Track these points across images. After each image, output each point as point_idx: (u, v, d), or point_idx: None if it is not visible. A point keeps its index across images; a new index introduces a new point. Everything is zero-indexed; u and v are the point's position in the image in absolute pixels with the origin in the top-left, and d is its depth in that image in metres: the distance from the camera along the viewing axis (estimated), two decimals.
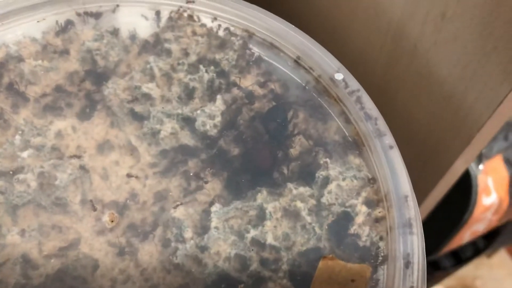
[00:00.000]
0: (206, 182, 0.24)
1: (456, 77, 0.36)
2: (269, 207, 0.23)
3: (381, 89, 0.43)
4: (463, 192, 0.48)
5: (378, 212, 0.22)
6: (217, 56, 0.27)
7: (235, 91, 0.27)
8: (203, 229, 0.23)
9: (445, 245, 0.53)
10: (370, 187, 0.23)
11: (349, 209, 0.23)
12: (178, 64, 0.27)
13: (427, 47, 0.36)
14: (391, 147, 0.23)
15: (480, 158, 0.48)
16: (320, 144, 0.25)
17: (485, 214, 0.49)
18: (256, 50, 0.27)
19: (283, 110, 0.26)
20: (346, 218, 0.22)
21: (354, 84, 0.24)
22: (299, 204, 0.23)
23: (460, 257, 0.62)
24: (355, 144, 0.24)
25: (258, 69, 0.27)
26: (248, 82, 0.27)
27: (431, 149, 0.42)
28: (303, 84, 0.26)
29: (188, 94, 0.26)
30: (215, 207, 0.23)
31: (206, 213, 0.23)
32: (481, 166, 0.48)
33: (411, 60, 0.39)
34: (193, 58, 0.27)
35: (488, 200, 0.48)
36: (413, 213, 0.21)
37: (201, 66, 0.27)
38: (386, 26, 0.39)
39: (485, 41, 0.30)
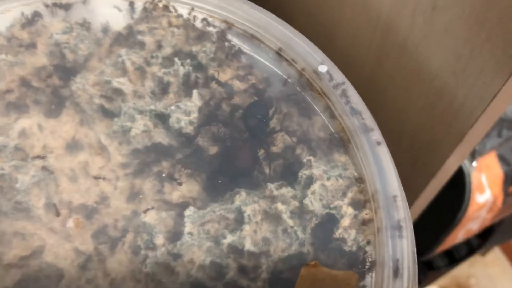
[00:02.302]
0: (181, 184, 0.23)
1: (448, 72, 0.34)
2: (248, 210, 0.21)
3: (370, 86, 0.41)
4: (456, 190, 0.47)
5: (365, 214, 0.21)
6: (194, 49, 0.25)
7: (213, 85, 0.25)
8: (175, 235, 0.21)
9: (439, 244, 0.52)
10: (357, 187, 0.21)
11: (334, 211, 0.21)
12: (152, 57, 0.25)
13: (417, 41, 0.35)
14: (378, 143, 0.21)
15: (473, 155, 0.47)
16: (304, 141, 0.23)
17: (479, 213, 0.48)
18: (235, 42, 0.26)
19: (265, 106, 0.24)
20: (331, 221, 0.21)
21: (339, 76, 0.23)
22: (281, 207, 0.21)
23: (454, 257, 0.61)
24: (341, 141, 0.23)
25: (238, 62, 0.26)
26: (227, 76, 0.25)
27: (422, 147, 0.40)
28: (286, 78, 0.25)
29: (162, 89, 0.24)
30: (190, 211, 0.21)
31: (180, 217, 0.21)
32: (474, 163, 0.46)
33: (401, 55, 0.37)
34: (168, 50, 0.25)
35: (482, 198, 0.47)
36: (402, 214, 0.19)
37: (176, 59, 0.25)
38: (374, 20, 0.37)
39: (477, 32, 0.29)
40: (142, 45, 0.26)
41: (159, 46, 0.25)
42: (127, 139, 0.23)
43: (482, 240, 0.62)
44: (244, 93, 0.25)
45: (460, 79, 0.33)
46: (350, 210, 0.21)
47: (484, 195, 0.47)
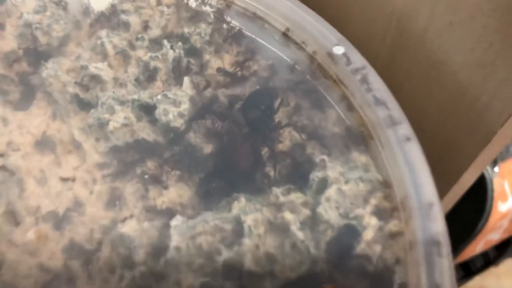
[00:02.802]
0: (169, 188, 0.19)
1: (474, 64, 0.31)
2: (249, 220, 0.17)
3: (384, 82, 0.37)
4: (477, 198, 0.43)
5: (392, 225, 0.17)
6: (187, 30, 0.22)
7: (209, 73, 0.21)
8: (159, 249, 0.17)
9: (456, 257, 0.47)
10: (382, 192, 0.18)
11: (354, 222, 0.17)
12: (137, 39, 0.21)
13: (439, 30, 0.31)
14: (408, 139, 0.17)
15: (495, 160, 0.43)
16: (316, 137, 0.19)
17: (501, 222, 0.44)
18: (235, 22, 0.22)
19: (269, 96, 0.21)
20: (350, 233, 0.17)
21: (358, 60, 0.19)
22: (289, 216, 0.17)
23: (470, 269, 0.57)
24: (361, 137, 0.19)
25: (238, 47, 0.22)
26: (226, 62, 0.22)
27: (442, 150, 0.36)
28: (293, 63, 0.21)
29: (149, 76, 0.21)
30: (177, 220, 0.18)
31: (165, 228, 0.17)
32: (496, 169, 0.42)
33: (420, 47, 0.34)
34: (155, 32, 0.22)
35: (504, 206, 0.43)
36: (440, 226, 0.16)
37: (165, 42, 0.21)
38: (390, 9, 0.34)
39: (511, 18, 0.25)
40: (126, 26, 0.22)
41: (146, 27, 0.22)
42: (104, 134, 0.20)
43: (499, 251, 0.58)
44: (244, 82, 0.21)
45: (489, 72, 0.30)
46: (373, 221, 0.17)
47: (506, 203, 0.43)
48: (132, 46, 0.21)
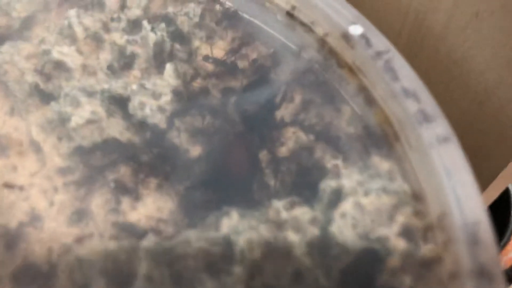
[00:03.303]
0: (145, 199, 0.15)
1: (503, 62, 0.27)
2: (242, 241, 0.14)
3: None
4: (499, 212, 0.39)
5: (426, 250, 0.13)
6: (172, 10, 0.18)
7: (198, 61, 0.18)
8: (125, 278, 0.13)
9: None
10: (411, 207, 0.14)
11: (376, 245, 0.13)
12: (113, 20, 0.18)
13: (463, 23, 0.28)
14: (445, 140, 0.13)
15: None
16: (326, 139, 0.16)
17: None
18: (230, 3, 0.19)
19: (269, 89, 0.17)
20: (371, 260, 0.13)
21: (380, 41, 0.15)
22: (292, 236, 0.14)
23: None
24: (383, 138, 0.15)
25: (234, 31, 0.18)
26: (219, 50, 0.18)
27: (467, 157, 0.32)
28: (300, 50, 0.17)
29: (125, 63, 0.17)
30: (149, 241, 0.14)
31: (135, 250, 0.14)
32: None
33: (440, 43, 0.30)
34: (135, 12, 0.18)
35: None
36: (491, 252, 0.12)
37: (145, 23, 0.18)
38: (406, 0, 0.30)
39: None
40: (101, 5, 0.18)
41: (123, 7, 0.18)
42: (67, 132, 0.16)
43: None
44: (241, 73, 0.18)
45: None
46: (401, 244, 0.13)
47: None
48: (107, 28, 0.18)
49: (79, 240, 0.14)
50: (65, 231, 0.15)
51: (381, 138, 0.15)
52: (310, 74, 0.17)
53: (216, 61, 0.18)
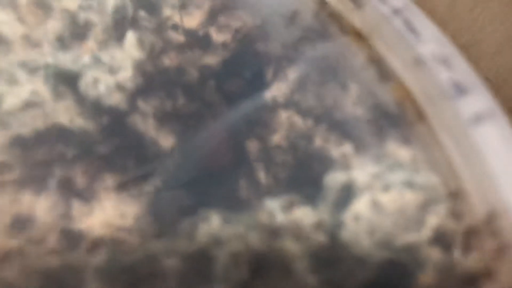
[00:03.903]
0: (103, 202, 0.12)
1: None
2: (224, 254, 0.10)
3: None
4: None
5: (471, 261, 0.10)
6: None
7: (169, 33, 0.14)
8: None
9: None
10: (446, 206, 0.11)
11: (403, 255, 0.10)
12: None
13: (473, 1, 0.25)
14: (491, 116, 0.10)
15: None
16: (329, 123, 0.12)
17: None
18: None
19: (257, 65, 0.14)
20: (397, 275, 0.10)
21: None
22: (291, 246, 0.10)
23: None
24: (402, 118, 0.12)
25: None
26: (195, 20, 0.15)
27: None
28: (293, 14, 0.14)
29: (78, 34, 0.14)
30: (102, 255, 0.10)
31: (81, 268, 0.10)
32: None
33: (445, 26, 0.27)
34: None
35: None
36: None
37: None
38: None
39: None
40: None
41: None
42: (1, 118, 0.12)
43: None
44: (222, 46, 0.14)
45: None
46: (436, 254, 0.10)
47: None
48: None
49: (8, 256, 0.11)
50: (3, 242, 0.12)
51: (400, 119, 0.12)
52: (306, 45, 0.14)
53: (190, 32, 0.14)
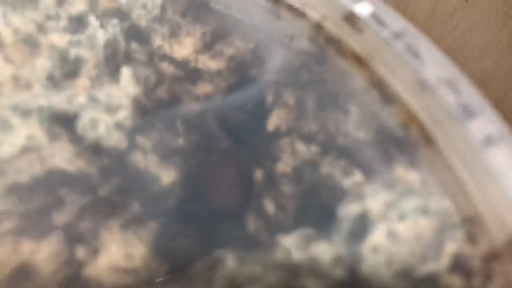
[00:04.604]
0: (107, 245, 0.11)
1: (503, 47, 0.25)
2: None
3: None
4: None
5: (495, 286, 0.10)
6: (125, 2, 0.14)
7: (162, 64, 0.14)
8: None
9: None
10: (463, 231, 0.11)
11: (425, 286, 0.10)
12: (49, 18, 0.14)
13: (452, 8, 0.25)
14: (501, 138, 0.10)
15: None
16: (334, 148, 0.12)
17: None
18: None
19: (255, 92, 0.14)
20: None
21: (396, 21, 0.12)
22: (312, 285, 0.10)
23: None
24: (408, 142, 0.12)
25: (203, 25, 0.15)
26: (187, 49, 0.14)
27: None
28: (289, 40, 0.14)
29: (68, 71, 0.13)
30: None
31: None
32: None
33: (427, 32, 0.27)
34: (78, 7, 0.14)
35: None
36: None
37: (92, 20, 0.14)
38: None
39: None
40: (33, 0, 0.14)
41: (62, 1, 0.14)
42: None
43: None
44: (217, 75, 0.14)
45: None
46: (457, 282, 0.10)
47: None
48: (42, 29, 0.14)
49: None
50: None
51: (406, 142, 0.12)
52: (303, 70, 0.14)
53: (183, 63, 0.14)
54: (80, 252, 0.12)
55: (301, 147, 0.13)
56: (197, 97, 0.14)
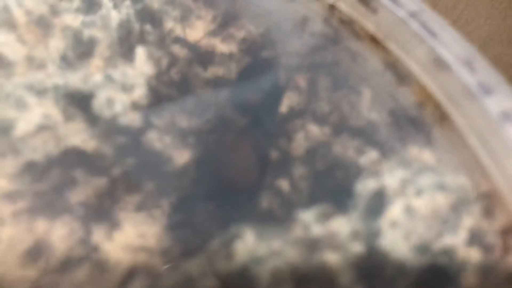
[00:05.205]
0: (122, 224, 0.11)
1: (506, 37, 0.25)
2: (266, 272, 0.10)
3: None
4: None
5: None
6: None
7: (173, 46, 0.14)
8: None
9: None
10: (479, 206, 0.11)
11: (443, 259, 0.10)
12: None
13: (453, 0, 0.25)
14: (510, 115, 0.10)
15: None
16: (349, 128, 0.12)
17: None
18: None
19: (267, 75, 0.14)
20: (439, 279, 0.10)
21: (410, 1, 0.12)
22: (332, 258, 0.10)
23: None
24: (423, 120, 0.12)
25: (215, 8, 0.15)
26: (198, 32, 0.14)
27: None
28: (302, 22, 0.14)
29: (82, 52, 0.13)
30: (139, 281, 0.10)
31: None
32: None
33: None
34: None
35: None
36: None
37: (105, 0, 0.14)
38: None
39: None
40: None
41: None
42: (12, 144, 0.12)
43: None
44: (229, 59, 0.14)
45: None
46: (475, 254, 0.10)
47: None
48: (55, 10, 0.14)
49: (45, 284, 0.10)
50: (18, 273, 0.11)
51: (421, 121, 0.12)
52: (316, 52, 0.14)
53: (195, 46, 0.14)
54: (95, 231, 0.12)
55: (314, 128, 0.13)
56: (209, 80, 0.14)
